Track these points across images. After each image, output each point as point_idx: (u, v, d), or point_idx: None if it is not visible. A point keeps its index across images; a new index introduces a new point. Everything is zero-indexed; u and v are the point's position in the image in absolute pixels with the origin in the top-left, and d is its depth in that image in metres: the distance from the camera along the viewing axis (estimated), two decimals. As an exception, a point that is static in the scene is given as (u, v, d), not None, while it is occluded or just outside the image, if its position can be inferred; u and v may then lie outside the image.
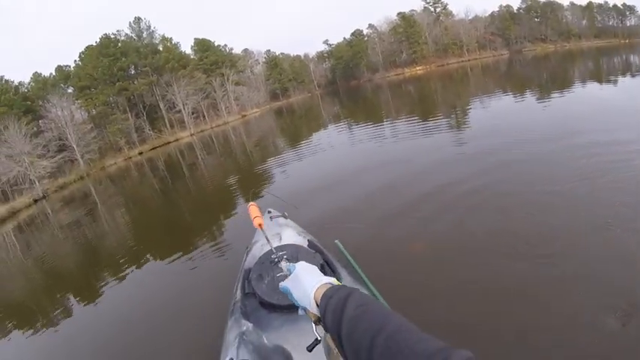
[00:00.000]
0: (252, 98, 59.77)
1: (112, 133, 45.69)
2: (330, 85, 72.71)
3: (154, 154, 39.26)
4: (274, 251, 3.01)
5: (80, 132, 42.40)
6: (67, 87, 49.17)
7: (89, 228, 15.74)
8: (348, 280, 2.94)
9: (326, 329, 1.00)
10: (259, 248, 3.53)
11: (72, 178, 38.36)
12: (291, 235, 3.72)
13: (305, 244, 3.50)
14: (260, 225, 2.42)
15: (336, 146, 15.11)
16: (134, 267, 8.45)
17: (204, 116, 52.36)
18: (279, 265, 2.73)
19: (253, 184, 12.50)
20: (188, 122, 49.84)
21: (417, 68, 63.17)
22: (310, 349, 1.21)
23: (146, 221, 13.61)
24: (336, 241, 4.23)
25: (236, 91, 56.46)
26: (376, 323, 0.81)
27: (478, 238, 4.74)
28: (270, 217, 4.27)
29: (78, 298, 8.07)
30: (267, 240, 3.05)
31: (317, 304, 1.06)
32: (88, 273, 9.83)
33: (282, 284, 1.23)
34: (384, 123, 16.43)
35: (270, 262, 3.00)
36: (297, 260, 2.49)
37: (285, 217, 4.26)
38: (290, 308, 2.51)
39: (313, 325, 1.14)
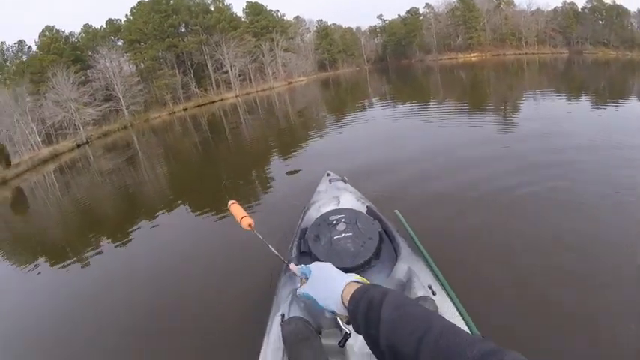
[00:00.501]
0: (300, 66, 58.65)
1: (159, 87, 45.78)
2: (380, 62, 70.50)
3: (198, 112, 39.33)
4: (332, 214, 3.11)
5: (127, 84, 42.67)
6: (117, 40, 49.07)
7: (128, 175, 16.07)
8: (406, 252, 2.78)
9: (357, 330, 0.95)
10: (316, 210, 3.58)
11: (116, 127, 39.00)
12: (349, 199, 3.70)
13: (364, 210, 3.46)
14: (250, 226, 2.08)
15: (381, 123, 14.64)
16: (168, 217, 8.59)
17: (250, 79, 51.79)
18: (337, 228, 2.90)
19: (292, 151, 12.31)
20: (234, 84, 49.35)
21: (472, 55, 60.37)
22: (342, 344, 1.18)
23: (184, 175, 13.69)
24: (396, 211, 3.94)
25: (284, 58, 55.38)
26: (421, 325, 0.79)
27: (523, 229, 4.73)
28: (330, 180, 4.38)
29: (110, 240, 8.21)
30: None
31: (344, 305, 1.01)
32: (122, 217, 10.01)
33: (300, 291, 1.16)
34: (431, 106, 15.79)
35: (327, 224, 3.03)
36: (355, 224, 2.87)
37: (345, 182, 4.31)
38: (344, 271, 1.88)
39: (340, 321, 1.09)
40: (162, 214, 8.92)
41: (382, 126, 13.89)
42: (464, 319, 2.28)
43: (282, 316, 2.34)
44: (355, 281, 1.06)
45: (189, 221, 8.13)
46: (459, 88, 21.02)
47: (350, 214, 3.11)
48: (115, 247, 7.70)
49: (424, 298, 2.18)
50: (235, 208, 2.25)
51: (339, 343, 1.19)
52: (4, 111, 34.71)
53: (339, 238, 2.88)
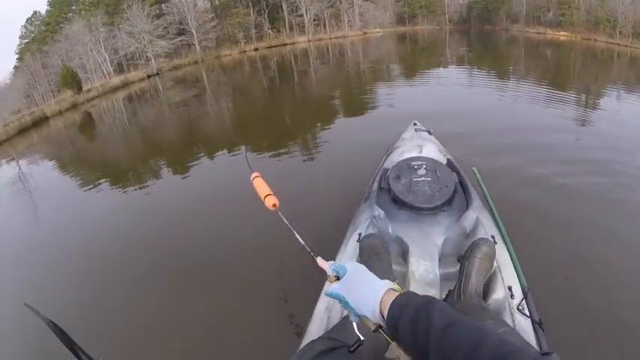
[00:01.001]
0: (377, 17, 55.78)
1: (232, 25, 44.81)
2: (462, 24, 65.26)
3: (269, 53, 38.75)
4: (414, 160, 3.35)
5: (201, 20, 42.19)
6: (193, -25, 48.53)
7: (193, 109, 16.20)
8: (477, 204, 2.94)
9: (397, 339, 0.95)
10: (399, 154, 3.85)
11: (186, 61, 39.13)
12: (431, 150, 3.90)
13: (444, 162, 3.63)
14: (275, 205, 1.92)
15: (455, 86, 13.45)
16: (226, 155, 8.71)
17: (324, 25, 50.00)
18: (417, 172, 3.16)
19: (358, 102, 11.88)
20: (308, 28, 47.70)
21: (561, 33, 54.13)
22: (353, 350, 1.16)
23: (248, 114, 13.73)
24: (474, 168, 3.82)
25: (362, 6, 52.60)
26: (475, 336, 0.80)
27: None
28: (415, 130, 4.60)
29: (166, 169, 8.72)
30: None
31: (380, 312, 0.99)
32: (182, 149, 10.31)
33: (329, 290, 1.10)
34: (509, 80, 14.21)
35: (408, 167, 3.25)
36: (434, 172, 3.16)
37: (430, 133, 4.48)
38: (419, 210, 2.92)
39: (355, 325, 1.09)
40: (222, 151, 9.02)
41: (456, 89, 12.88)
42: (516, 272, 2.35)
43: (359, 235, 2.62)
44: (393, 289, 1.01)
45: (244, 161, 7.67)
46: (542, 66, 18.80)
47: (431, 163, 3.29)
48: (171, 176, 8.17)
49: (485, 240, 2.29)
50: (259, 183, 2.12)
51: (349, 349, 1.17)
52: (78, 40, 36.04)
53: (417, 180, 3.09)
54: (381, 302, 0.97)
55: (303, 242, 1.58)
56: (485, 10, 65.25)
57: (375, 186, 3.33)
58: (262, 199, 2.04)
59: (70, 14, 41.56)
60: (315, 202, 5.19)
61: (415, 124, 4.86)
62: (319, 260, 1.28)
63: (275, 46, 44.68)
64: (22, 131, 21.13)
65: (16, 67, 41.32)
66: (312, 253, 1.45)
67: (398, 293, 0.98)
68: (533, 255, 3.17)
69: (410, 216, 2.91)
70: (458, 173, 3.39)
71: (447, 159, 3.79)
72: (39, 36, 42.31)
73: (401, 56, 26.89)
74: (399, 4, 61.20)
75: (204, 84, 24.59)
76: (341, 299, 1.05)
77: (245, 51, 43.56)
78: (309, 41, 46.07)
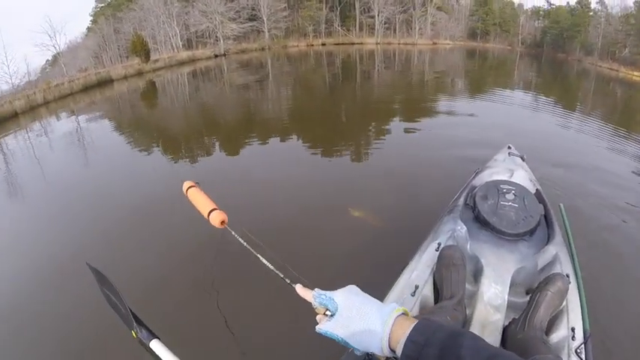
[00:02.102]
0: (449, 29, 54.77)
1: (303, 17, 44.97)
2: (535, 48, 62.82)
3: (335, 50, 38.55)
4: (504, 183, 3.32)
5: (273, 8, 42.37)
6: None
7: (253, 94, 16.55)
8: (558, 240, 2.87)
9: None
10: (489, 174, 3.81)
11: (254, 46, 39.71)
12: (522, 177, 3.78)
13: (532, 191, 3.52)
14: (223, 222, 1.85)
15: (519, 109, 12.80)
16: (278, 142, 8.86)
17: (394, 30, 49.40)
18: (506, 196, 3.13)
19: (416, 113, 11.45)
20: (377, 30, 47.16)
21: (634, 73, 51.80)
22: None
23: (305, 106, 13.67)
24: (561, 204, 3.71)
25: (435, 16, 51.82)
26: None
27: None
28: (509, 153, 4.49)
29: (220, 147, 8.95)
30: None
31: (389, 347, 0.84)
32: (237, 129, 10.53)
33: (322, 329, 0.91)
34: (574, 113, 13.14)
35: (497, 189, 3.21)
36: (522, 199, 3.09)
37: (523, 160, 4.39)
38: (500, 233, 2.86)
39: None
40: (274, 137, 9.14)
41: (520, 112, 12.23)
42: (582, 315, 2.30)
43: (439, 244, 2.72)
44: (403, 314, 0.86)
45: (297, 151, 8.17)
46: (610, 105, 17.83)
47: (520, 190, 3.24)
48: (219, 154, 8.35)
49: (561, 276, 2.28)
50: (196, 195, 1.94)
51: None
52: (152, 11, 37.25)
53: (504, 204, 3.05)
54: (390, 336, 0.81)
55: (270, 266, 1.36)
56: (560, 37, 62.52)
57: (461, 201, 3.34)
58: (206, 215, 1.84)
59: (147, -15, 42.52)
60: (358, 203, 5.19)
61: (509, 147, 4.74)
62: (299, 288, 1.02)
63: (342, 44, 44.60)
64: (87, 89, 21.72)
65: (89, 29, 42.99)
66: (286, 280, 1.22)
67: (410, 322, 0.82)
68: (602, 301, 3.22)
69: (490, 237, 2.89)
70: (544, 205, 3.34)
71: (537, 189, 3.70)
72: (114, 2, 43.64)
73: (468, 71, 25.97)
74: (473, 19, 59.65)
75: (267, 71, 24.69)
76: (339, 340, 0.87)
77: (312, 44, 43.75)
78: (377, 43, 45.70)
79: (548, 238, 2.92)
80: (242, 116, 12.13)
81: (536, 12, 69.16)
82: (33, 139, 12.04)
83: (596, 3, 59.82)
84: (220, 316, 3.38)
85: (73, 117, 14.73)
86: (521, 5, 67.29)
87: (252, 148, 8.41)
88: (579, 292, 2.49)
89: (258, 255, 1.43)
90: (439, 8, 52.80)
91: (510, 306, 2.42)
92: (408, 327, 0.80)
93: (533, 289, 2.37)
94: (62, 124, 13.67)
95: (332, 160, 7.44)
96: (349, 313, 0.88)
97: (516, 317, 2.22)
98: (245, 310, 3.49)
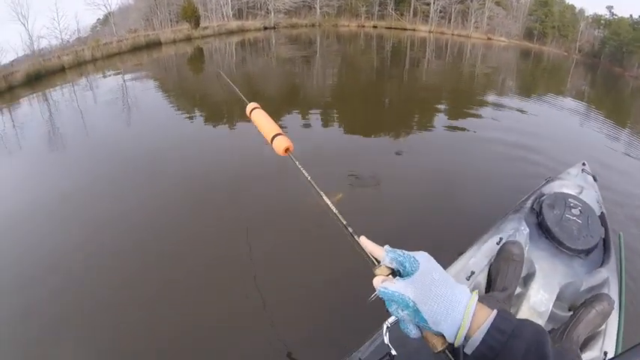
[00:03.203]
0: (506, 26, 53.22)
1: (357, -2, 44.80)
2: (592, 57, 60.07)
3: (386, 33, 37.94)
4: (572, 197, 3.39)
5: (327, -15, 42.12)
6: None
7: (299, 69, 16.41)
8: (611, 266, 2.90)
9: None
10: (559, 185, 3.92)
11: (304, 22, 39.42)
12: (591, 196, 3.81)
13: (597, 212, 3.48)
14: (287, 150, 1.68)
15: (565, 118, 12.36)
16: (317, 120, 8.88)
17: (449, 20, 48.34)
18: (572, 210, 3.19)
19: (462, 110, 10.97)
20: (432, 18, 46.27)
21: None
22: None
23: (349, 88, 13.51)
24: (621, 233, 3.46)
25: (493, 10, 50.42)
26: None
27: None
28: (582, 170, 4.51)
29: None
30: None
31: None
32: (279, 102, 10.48)
33: (389, 288, 0.75)
34: (624, 131, 12.51)
35: (564, 202, 3.27)
36: (587, 218, 3.13)
37: (595, 180, 4.37)
38: (559, 244, 2.94)
39: (386, 337, 0.89)
40: (315, 114, 9.17)
41: (571, 124, 11.79)
42: (617, 342, 2.34)
43: (500, 238, 2.86)
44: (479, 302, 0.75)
45: (336, 133, 8.18)
46: None
47: (586, 208, 3.27)
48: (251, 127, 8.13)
49: (609, 297, 2.32)
50: (260, 117, 1.84)
51: None
52: None
53: (569, 217, 3.10)
54: (473, 318, 0.70)
55: (334, 208, 1.20)
56: (619, 51, 59.55)
57: (528, 204, 3.44)
58: (269, 140, 1.74)
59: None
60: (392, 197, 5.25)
61: (584, 164, 4.77)
62: (365, 240, 0.86)
63: (394, 28, 43.87)
64: (135, 50, 21.88)
65: (141, -10, 43.23)
66: (349, 229, 1.04)
67: (485, 308, 0.73)
68: (638, 333, 3.14)
69: (548, 246, 2.97)
70: (606, 229, 3.34)
71: (602, 212, 3.69)
72: (169, -34, 43.91)
73: (520, 72, 25.06)
74: (531, 18, 57.78)
75: (315, 48, 24.46)
76: (408, 305, 0.72)
77: (364, 26, 43.17)
78: (430, 32, 44.86)
79: (602, 262, 2.98)
80: (285, 90, 12.14)
81: (597, 20, 66.18)
82: (78, 93, 12.31)
83: None
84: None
85: (119, 76, 14.85)
86: (582, 11, 64.50)
87: (291, 121, 8.53)
88: (619, 320, 2.53)
89: (322, 193, 1.27)
90: (497, 3, 51.38)
91: (552, 316, 2.52)
92: (487, 313, 0.71)
93: (576, 306, 2.45)
94: (107, 82, 13.91)
95: (370, 146, 7.36)
96: (431, 278, 0.72)
97: (555, 328, 2.31)
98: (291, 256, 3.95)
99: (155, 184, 5.45)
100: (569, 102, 15.48)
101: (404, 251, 0.78)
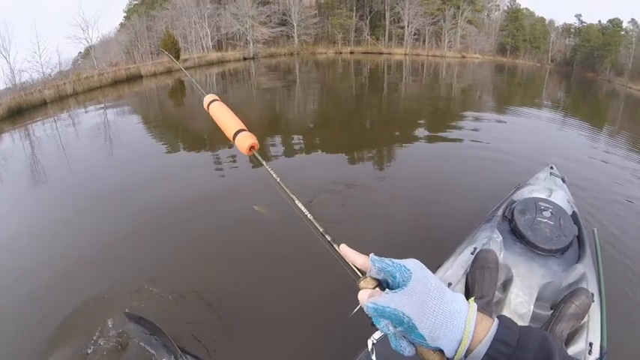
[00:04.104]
0: (479, 43, 54.20)
1: (333, 25, 45.29)
2: (565, 66, 61.48)
3: (363, 59, 38.62)
4: (542, 201, 3.55)
5: (304, 14, 42.97)
6: (304, -30, 49.46)
7: (280, 98, 16.67)
8: (587, 262, 3.02)
9: None
10: (529, 191, 4.07)
11: (283, 51, 40.03)
12: (561, 197, 3.93)
13: (569, 212, 3.65)
14: (252, 148, 1.39)
15: (547, 127, 12.67)
16: (303, 145, 9.00)
17: (424, 41, 49.33)
18: (543, 213, 3.33)
19: (441, 128, 11.21)
20: (407, 41, 47.13)
21: None
22: None
23: (330, 114, 13.64)
24: (594, 229, 3.68)
25: (465, 29, 51.39)
26: None
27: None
28: (550, 173, 4.68)
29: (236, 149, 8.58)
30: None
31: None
32: (261, 130, 10.43)
33: (378, 302, 0.67)
34: (602, 133, 12.99)
35: (535, 206, 3.42)
36: (558, 219, 3.27)
37: (564, 181, 4.53)
38: (533, 247, 3.06)
39: (373, 356, 0.80)
40: (299, 143, 9.22)
41: (547, 131, 12.08)
42: (601, 332, 2.43)
43: (475, 248, 2.96)
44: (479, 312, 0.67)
45: (319, 156, 8.31)
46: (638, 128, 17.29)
47: (557, 209, 3.40)
48: (240, 155, 8.08)
49: (586, 290, 2.48)
50: (220, 110, 1.54)
51: None
52: (185, 11, 37.90)
53: (541, 220, 3.23)
54: (475, 331, 0.63)
55: (309, 214, 1.06)
56: (590, 56, 60.83)
57: (500, 212, 3.55)
58: (231, 137, 1.49)
59: (182, -14, 43.29)
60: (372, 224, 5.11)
61: (552, 167, 4.92)
62: (345, 249, 0.77)
63: (371, 53, 44.70)
64: (116, 83, 22.14)
65: (122, 24, 43.80)
66: (327, 237, 0.92)
67: (488, 319, 0.66)
68: (621, 323, 3.25)
69: (523, 250, 3.07)
70: (579, 228, 3.46)
71: (573, 211, 3.86)
72: (148, 0, 44.46)
73: (496, 87, 25.70)
74: (503, 33, 59.09)
75: (295, 76, 24.80)
76: (402, 320, 0.63)
77: (341, 52, 43.98)
78: (405, 54, 45.65)
79: (578, 258, 3.09)
80: (268, 119, 12.30)
81: (567, 29, 67.79)
82: (60, 128, 12.43)
83: (628, 22, 58.48)
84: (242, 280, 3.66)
85: (101, 109, 14.99)
86: (552, 22, 66.13)
87: (274, 149, 8.56)
88: (601, 311, 2.64)
89: (293, 196, 1.15)
90: (470, 22, 52.50)
91: (534, 317, 2.60)
92: (489, 323, 0.65)
93: (557, 304, 2.51)
94: (89, 116, 14.05)
95: (352, 165, 7.49)
96: (427, 287, 0.66)
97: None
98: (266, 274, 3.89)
99: (130, 216, 5.48)
100: (544, 111, 16.07)
101: (392, 260, 0.72)
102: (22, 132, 12.43)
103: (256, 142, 1.45)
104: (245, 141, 1.44)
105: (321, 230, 0.99)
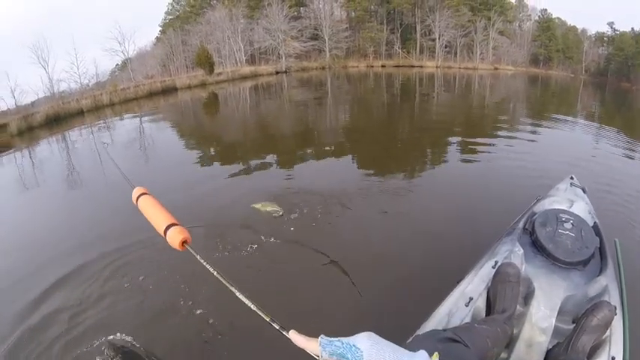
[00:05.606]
0: (511, 54, 53.38)
1: (364, 38, 45.61)
2: (599, 76, 59.49)
3: (395, 72, 38.67)
4: (563, 212, 3.43)
5: (335, 28, 43.38)
6: (334, -16, 49.97)
7: (312, 111, 16.70)
8: (609, 274, 2.94)
9: None
10: (550, 202, 3.96)
11: (315, 65, 40.61)
12: (582, 208, 3.88)
13: (590, 223, 3.55)
14: (185, 242, 1.43)
15: (581, 140, 12.25)
16: (334, 159, 8.96)
17: (455, 54, 48.88)
18: (564, 225, 3.22)
19: (474, 142, 10.74)
20: (438, 54, 46.95)
21: None
22: None
23: (362, 127, 13.61)
24: (616, 239, 3.52)
25: (497, 40, 50.49)
26: None
27: None
28: (571, 184, 4.58)
29: (275, 161, 8.95)
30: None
31: None
32: (293, 144, 10.70)
33: None
34: (629, 144, 12.35)
35: (556, 218, 3.31)
36: (579, 230, 3.16)
37: (584, 192, 4.44)
38: (554, 260, 2.97)
39: None
40: (327, 155, 9.22)
41: (582, 143, 11.74)
42: (624, 347, 2.36)
43: (496, 262, 2.91)
44: None
45: (349, 171, 8.08)
46: None
47: (578, 221, 3.32)
48: (274, 168, 8.31)
49: (608, 304, 2.33)
50: (149, 204, 1.61)
51: None
52: (218, 26, 38.93)
53: (562, 232, 3.14)
54: None
55: (251, 305, 1.07)
56: (624, 65, 58.55)
57: (520, 225, 3.48)
58: (162, 233, 1.47)
59: (215, 2, 44.69)
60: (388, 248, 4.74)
61: (572, 177, 4.83)
62: (294, 335, 0.83)
63: (402, 66, 44.66)
64: (151, 95, 22.80)
65: (157, 38, 45.31)
66: (275, 325, 0.95)
67: None
68: None
69: (544, 263, 3.01)
70: (601, 239, 3.38)
71: (594, 222, 3.73)
72: (183, 15, 45.97)
73: (529, 99, 25.11)
74: (536, 44, 58.00)
75: (327, 89, 24.95)
76: None
77: (372, 66, 44.14)
78: (437, 67, 45.51)
79: (600, 271, 3.02)
80: (299, 132, 12.34)
81: (600, 38, 65.67)
82: (96, 135, 12.85)
83: None
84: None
85: (137, 119, 15.46)
86: (584, 31, 64.38)
87: (304, 164, 8.49)
88: (624, 324, 2.57)
89: (233, 288, 1.15)
90: (501, 33, 51.83)
91: (556, 331, 2.53)
92: None
93: (579, 317, 2.44)
94: (124, 125, 14.51)
95: (382, 180, 7.21)
96: None
97: (560, 342, 2.35)
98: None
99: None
100: (577, 122, 15.68)
101: (342, 340, 0.74)
102: (59, 139, 12.95)
103: (188, 235, 1.45)
104: (176, 237, 1.43)
105: (268, 320, 0.99)
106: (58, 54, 35.71)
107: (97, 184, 7.81)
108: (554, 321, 2.55)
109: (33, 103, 20.79)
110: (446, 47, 48.21)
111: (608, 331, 2.39)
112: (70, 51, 26.65)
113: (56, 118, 16.16)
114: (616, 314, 2.44)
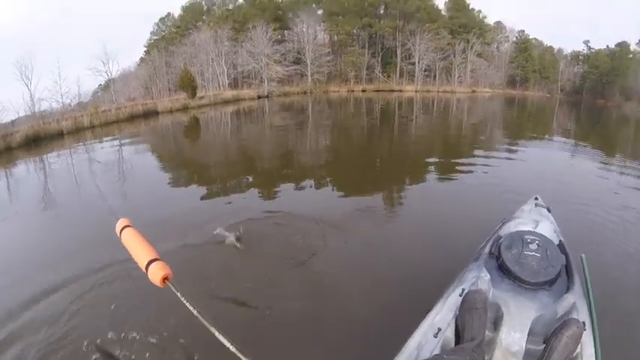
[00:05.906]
0: (489, 76, 54.05)
1: (345, 63, 46.38)
2: (574, 94, 60.18)
3: (375, 96, 39.23)
4: (528, 234, 3.47)
5: (317, 52, 44.06)
6: (318, 8, 50.75)
7: (292, 137, 16.79)
8: (577, 291, 3.00)
9: None
10: (515, 224, 3.98)
11: (296, 89, 41.07)
12: (547, 228, 3.90)
13: (556, 242, 3.62)
14: (166, 279, 1.42)
15: (555, 159, 12.51)
16: (314, 185, 8.85)
17: (434, 77, 49.92)
18: (529, 246, 3.25)
19: (452, 166, 10.96)
20: (417, 77, 47.91)
21: None
22: None
23: (342, 153, 13.77)
24: (583, 255, 3.56)
25: (475, 63, 51.60)
26: None
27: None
28: (535, 204, 4.63)
29: (254, 186, 8.89)
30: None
31: None
32: (273, 169, 10.78)
33: None
34: (614, 162, 12.79)
35: (521, 240, 3.34)
36: (545, 250, 3.20)
37: (549, 211, 4.48)
38: (521, 282, 2.99)
39: None
40: (309, 181, 9.13)
41: (554, 162, 12.04)
42: None
43: (463, 290, 2.89)
44: None
45: (328, 196, 8.16)
46: None
47: (544, 241, 3.35)
48: (255, 195, 8.19)
49: (576, 321, 2.41)
50: (132, 237, 1.59)
51: None
52: (203, 48, 39.30)
53: (527, 254, 3.17)
54: None
55: (233, 348, 1.12)
56: (599, 83, 59.51)
57: (487, 250, 3.48)
58: (143, 268, 1.46)
59: (200, 23, 45.24)
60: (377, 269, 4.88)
61: (537, 198, 4.88)
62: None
63: (382, 91, 45.29)
64: (132, 118, 22.72)
65: (142, 59, 45.48)
66: None
67: None
68: (616, 351, 3.16)
69: (511, 286, 3.00)
70: (566, 257, 3.42)
71: (560, 240, 3.76)
72: (168, 36, 46.40)
73: (506, 121, 25.87)
74: (513, 65, 58.91)
75: (308, 115, 25.29)
76: None
77: (353, 90, 44.71)
78: (416, 91, 46.18)
79: (568, 288, 3.02)
80: (280, 157, 12.40)
81: (575, 57, 66.99)
82: (75, 159, 12.87)
83: (637, 44, 57.30)
84: None
85: (117, 143, 15.52)
86: (560, 50, 65.45)
87: (282, 189, 8.48)
88: (594, 340, 2.60)
89: (212, 329, 1.17)
90: (479, 55, 52.82)
91: (527, 353, 2.52)
92: None
93: (548, 337, 2.44)
94: (103, 149, 14.42)
95: (355, 208, 6.98)
96: None
97: None
98: None
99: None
100: (552, 142, 16.19)
101: None
102: (37, 161, 12.88)
103: (170, 271, 1.43)
104: (157, 273, 1.42)
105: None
106: (41, 72, 35.64)
107: (77, 212, 7.49)
108: (524, 344, 2.55)
109: (13, 122, 20.37)
110: (425, 71, 49.12)
111: (579, 347, 2.43)
112: (54, 69, 26.37)
113: (35, 138, 15.98)
114: (585, 329, 2.48)
